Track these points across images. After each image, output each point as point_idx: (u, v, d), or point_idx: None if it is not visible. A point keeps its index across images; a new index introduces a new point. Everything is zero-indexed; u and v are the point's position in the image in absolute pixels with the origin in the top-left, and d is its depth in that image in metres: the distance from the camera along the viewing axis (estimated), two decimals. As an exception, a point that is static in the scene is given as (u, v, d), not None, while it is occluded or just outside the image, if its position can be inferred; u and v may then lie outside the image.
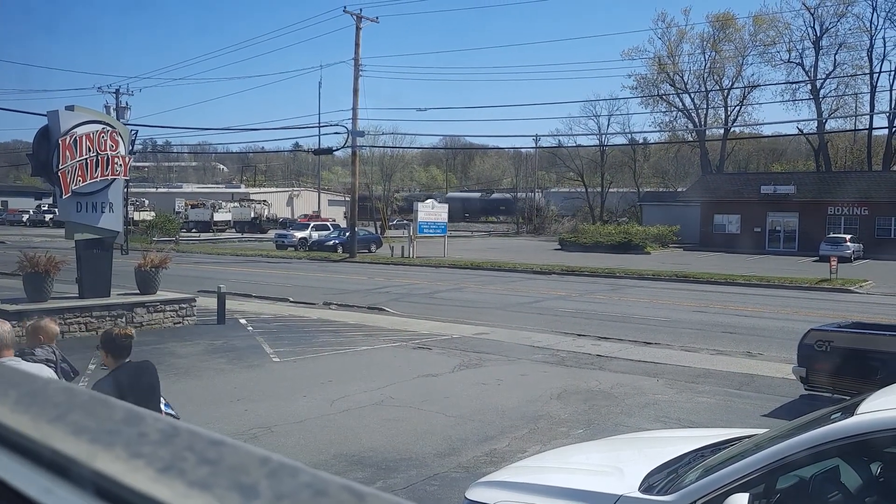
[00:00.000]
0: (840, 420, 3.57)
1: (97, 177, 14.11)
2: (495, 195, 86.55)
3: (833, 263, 27.61)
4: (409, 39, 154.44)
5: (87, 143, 13.91)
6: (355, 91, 38.50)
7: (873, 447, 3.63)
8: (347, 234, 41.36)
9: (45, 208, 73.47)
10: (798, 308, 20.33)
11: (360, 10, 38.39)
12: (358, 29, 38.43)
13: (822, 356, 9.18)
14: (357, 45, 38.58)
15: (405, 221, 54.74)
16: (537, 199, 75.90)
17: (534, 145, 73.40)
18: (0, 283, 20.79)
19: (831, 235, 44.02)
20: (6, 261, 20.59)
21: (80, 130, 13.85)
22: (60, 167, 13.51)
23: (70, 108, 14.26)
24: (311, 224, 49.13)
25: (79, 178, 13.80)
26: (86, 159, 13.89)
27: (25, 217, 74.57)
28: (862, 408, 3.59)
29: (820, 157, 63.33)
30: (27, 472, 0.56)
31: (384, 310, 18.87)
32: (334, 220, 56.20)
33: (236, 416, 8.62)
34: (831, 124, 63.63)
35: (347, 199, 47.41)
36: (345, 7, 38.16)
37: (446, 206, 43.69)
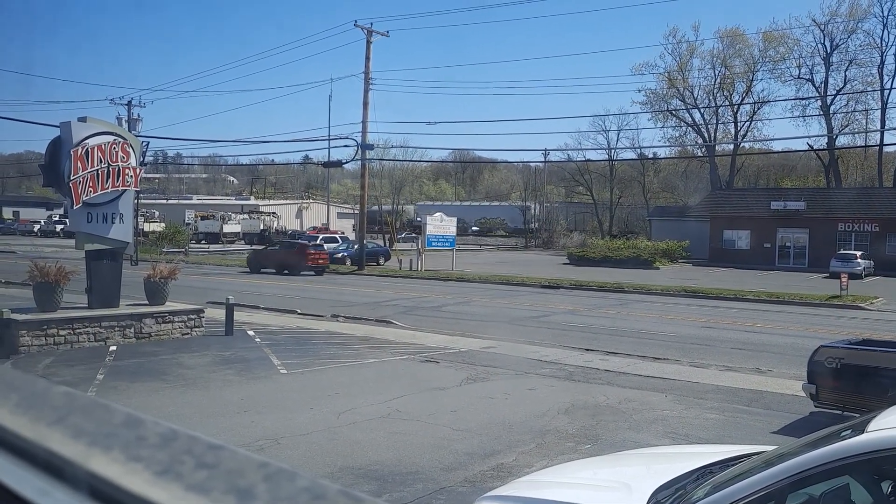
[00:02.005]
0: (850, 438, 3.54)
1: (108, 188, 14.20)
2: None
3: (844, 280, 27.47)
4: (420, 53, 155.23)
5: (99, 154, 14.02)
6: (365, 104, 38.70)
7: (884, 465, 3.59)
8: (356, 246, 41.44)
9: (56, 219, 74.01)
10: (808, 325, 20.21)
11: (371, 24, 38.68)
12: (368, 43, 38.68)
13: (832, 373, 9.11)
14: (367, 58, 38.82)
15: (414, 234, 54.82)
16: (546, 213, 75.94)
17: (543, 159, 73.47)
18: (11, 293, 20.93)
19: (842, 252, 43.75)
20: (17, 270, 20.73)
21: (91, 142, 13.96)
22: (72, 178, 13.61)
23: (82, 119, 14.38)
24: (320, 236, 49.24)
25: (90, 188, 13.90)
26: (97, 170, 13.99)
27: (36, 227, 75.14)
28: (872, 425, 3.55)
29: (830, 172, 63.08)
30: (24, 473, 0.56)
31: (392, 322, 18.86)
32: (343, 233, 56.33)
33: (243, 427, 8.62)
34: (842, 140, 63.39)
35: (356, 211, 47.56)
36: (355, 21, 38.46)
37: (455, 219, 43.71)
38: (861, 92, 60.71)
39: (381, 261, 43.19)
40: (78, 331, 13.66)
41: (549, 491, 4.34)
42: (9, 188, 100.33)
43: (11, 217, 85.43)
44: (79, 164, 13.69)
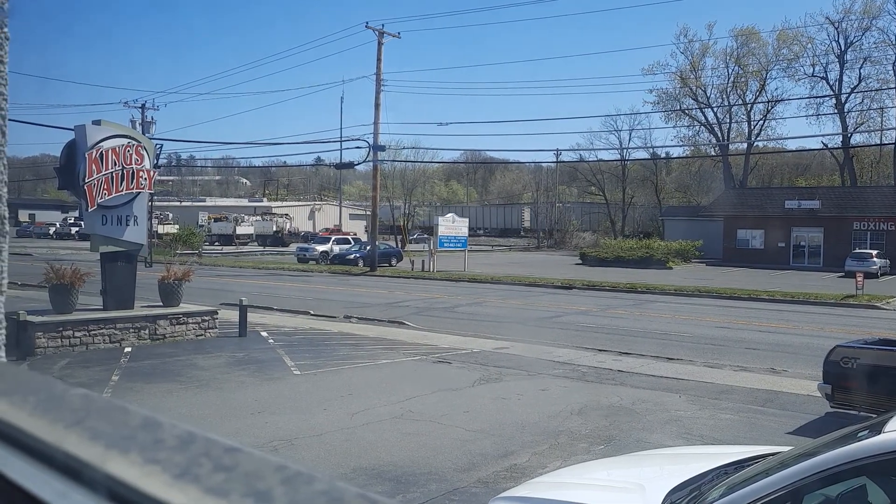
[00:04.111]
0: (867, 438, 3.50)
1: (122, 190, 14.30)
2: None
3: (859, 279, 27.23)
4: (431, 54, 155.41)
5: (113, 156, 14.12)
6: (377, 105, 38.74)
7: (902, 466, 3.55)
8: (368, 247, 41.49)
9: (72, 221, 74.53)
10: (823, 324, 20.05)
11: (382, 25, 38.73)
12: (380, 44, 38.73)
13: (848, 373, 9.03)
14: (379, 60, 38.87)
15: (425, 235, 54.86)
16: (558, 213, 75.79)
17: (555, 160, 73.33)
18: (27, 295, 21.09)
19: (857, 251, 43.37)
20: (33, 272, 20.88)
21: (106, 144, 14.06)
22: (87, 181, 13.71)
23: (97, 122, 14.49)
24: (333, 238, 49.28)
25: (104, 191, 14.00)
26: (111, 173, 14.09)
27: (52, 230, 75.66)
28: (889, 425, 3.52)
29: (845, 171, 62.60)
30: (43, 475, 0.56)
31: (404, 323, 18.87)
32: (355, 234, 56.40)
33: (257, 428, 8.65)
34: (856, 138, 62.87)
35: (368, 213, 47.66)
36: (367, 23, 38.49)
37: (467, 220, 43.72)
38: (876, 90, 60.20)
39: (394, 262, 43.23)
40: (93, 332, 13.76)
41: (562, 491, 4.33)
42: (25, 191, 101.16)
43: (27, 220, 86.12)
44: (93, 167, 13.79)
